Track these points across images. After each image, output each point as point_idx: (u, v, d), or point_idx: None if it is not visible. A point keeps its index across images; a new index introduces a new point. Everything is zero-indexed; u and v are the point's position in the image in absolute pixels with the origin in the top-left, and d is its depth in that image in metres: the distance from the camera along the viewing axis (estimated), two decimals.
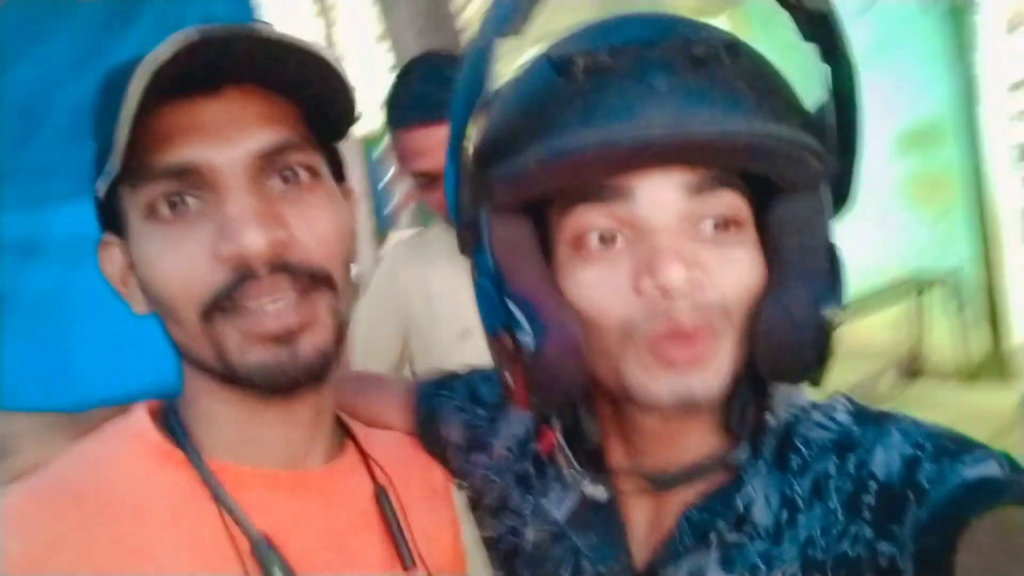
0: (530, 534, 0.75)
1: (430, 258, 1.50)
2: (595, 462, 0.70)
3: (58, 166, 1.06)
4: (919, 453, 0.56)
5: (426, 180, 1.35)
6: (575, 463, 0.69)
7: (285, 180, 0.64)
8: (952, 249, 4.69)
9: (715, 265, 0.58)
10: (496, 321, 0.62)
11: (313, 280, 0.64)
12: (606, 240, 0.59)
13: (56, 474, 0.65)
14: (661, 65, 0.55)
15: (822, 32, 0.57)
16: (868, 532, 0.56)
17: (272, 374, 0.63)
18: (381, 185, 5.45)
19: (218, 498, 0.65)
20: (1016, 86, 5.18)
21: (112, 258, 0.68)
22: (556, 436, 0.71)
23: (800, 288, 0.59)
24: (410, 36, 2.78)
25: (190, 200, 0.62)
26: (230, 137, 0.62)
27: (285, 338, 0.62)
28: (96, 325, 1.17)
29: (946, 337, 4.64)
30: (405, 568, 0.72)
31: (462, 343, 1.41)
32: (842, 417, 0.63)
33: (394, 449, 0.82)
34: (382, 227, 5.46)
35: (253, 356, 0.62)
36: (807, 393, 0.68)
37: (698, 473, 0.65)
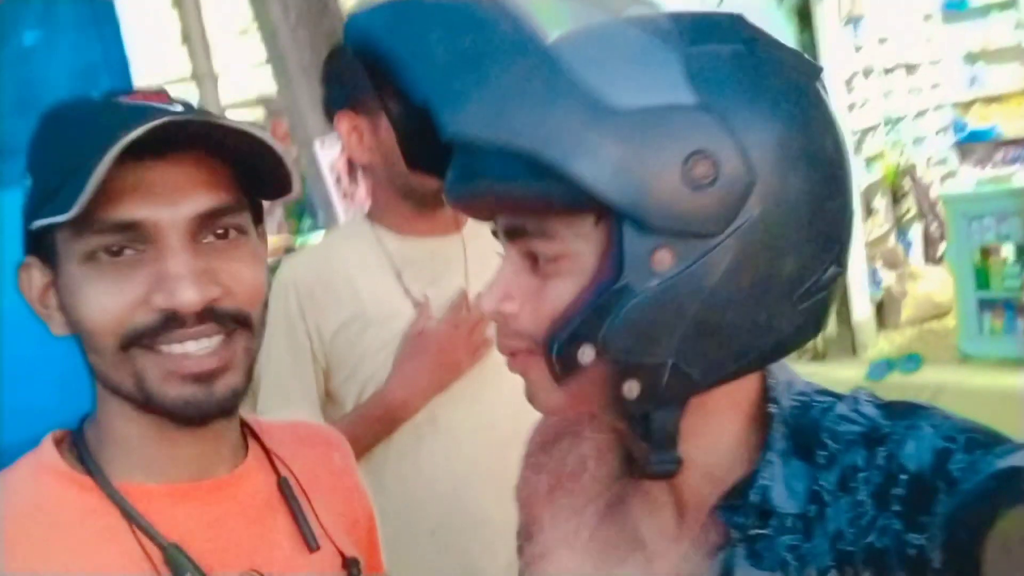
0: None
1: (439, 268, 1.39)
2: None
3: None
4: (951, 445, 0.56)
5: None
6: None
7: (218, 236, 0.71)
8: None
9: (535, 295, 0.62)
10: None
11: (236, 323, 0.71)
12: None
13: None
14: None
15: None
16: (897, 524, 0.56)
17: (188, 409, 0.69)
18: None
19: (127, 515, 0.69)
20: (849, 80, 5.56)
21: (32, 280, 0.72)
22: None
23: (572, 320, 0.59)
24: (285, 29, 2.65)
25: (129, 251, 0.67)
26: (174, 199, 0.67)
27: (204, 378, 0.69)
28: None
29: None
30: (311, 550, 0.78)
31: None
32: (868, 410, 0.62)
33: (292, 439, 0.87)
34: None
35: (172, 391, 0.68)
36: (805, 379, 0.68)
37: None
